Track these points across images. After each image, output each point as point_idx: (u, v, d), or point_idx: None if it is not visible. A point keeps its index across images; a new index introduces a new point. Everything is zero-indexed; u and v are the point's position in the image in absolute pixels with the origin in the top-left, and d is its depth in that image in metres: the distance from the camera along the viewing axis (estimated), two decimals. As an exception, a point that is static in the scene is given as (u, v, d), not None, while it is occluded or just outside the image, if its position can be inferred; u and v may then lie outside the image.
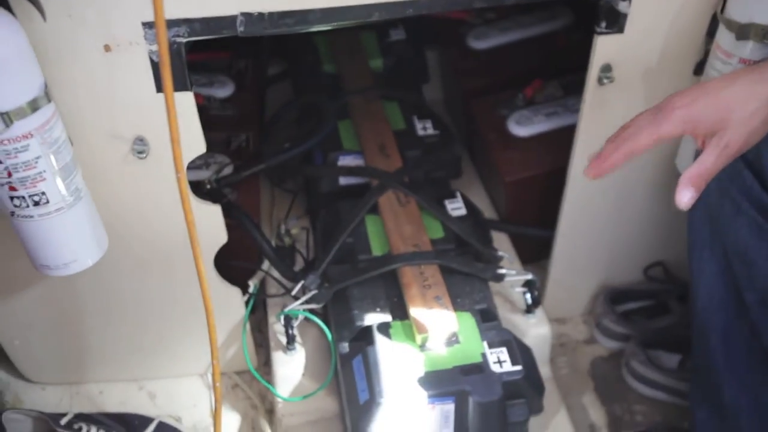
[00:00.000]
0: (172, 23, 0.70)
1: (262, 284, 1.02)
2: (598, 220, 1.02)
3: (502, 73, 1.18)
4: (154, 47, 0.70)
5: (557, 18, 1.20)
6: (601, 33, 0.80)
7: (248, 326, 0.98)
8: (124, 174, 0.79)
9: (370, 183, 1.00)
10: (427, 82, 1.25)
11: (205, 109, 1.07)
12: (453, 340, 0.83)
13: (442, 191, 1.00)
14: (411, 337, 0.84)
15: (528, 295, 0.96)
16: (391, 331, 0.84)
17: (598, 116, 0.88)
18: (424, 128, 1.08)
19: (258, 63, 1.19)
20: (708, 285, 0.82)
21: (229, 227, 0.88)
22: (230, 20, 0.71)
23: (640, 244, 1.08)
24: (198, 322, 0.92)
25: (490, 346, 0.83)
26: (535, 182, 1.05)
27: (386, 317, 0.87)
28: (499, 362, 0.81)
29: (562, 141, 0.93)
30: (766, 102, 0.65)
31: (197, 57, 1.11)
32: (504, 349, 0.82)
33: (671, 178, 0.90)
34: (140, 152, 0.77)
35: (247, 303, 0.97)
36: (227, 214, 0.89)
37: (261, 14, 0.71)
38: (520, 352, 0.83)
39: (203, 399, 1.01)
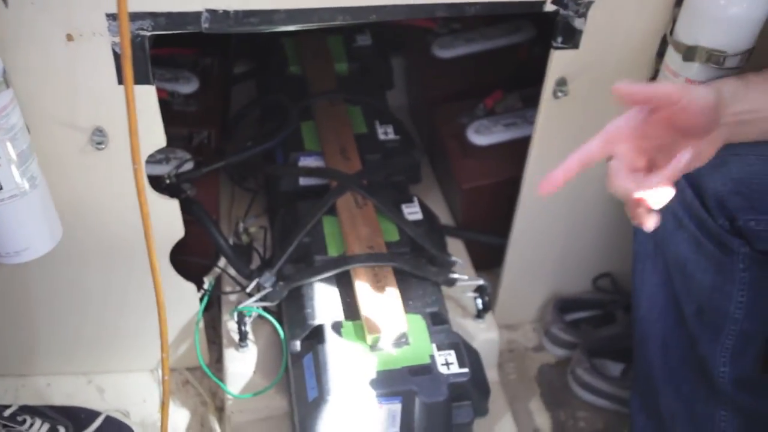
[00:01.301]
0: (135, 16, 0.70)
1: (218, 281, 1.02)
2: (549, 230, 1.04)
3: (465, 82, 1.20)
4: (117, 39, 0.71)
5: (520, 31, 1.23)
6: (558, 48, 0.83)
7: (201, 323, 0.98)
8: (82, 164, 0.79)
9: (329, 184, 1.01)
10: (392, 88, 1.27)
11: (167, 104, 1.08)
12: (402, 341, 0.85)
13: (400, 196, 1.02)
14: (362, 337, 0.85)
15: (479, 301, 0.99)
16: (343, 330, 0.86)
17: (552, 128, 0.91)
18: (386, 133, 1.09)
19: (224, 61, 1.19)
20: (649, 295, 0.85)
21: (187, 223, 0.88)
22: (195, 16, 0.72)
23: (589, 255, 1.11)
24: (150, 316, 0.92)
25: (439, 348, 0.85)
26: (491, 190, 1.08)
27: (338, 317, 0.88)
28: (447, 364, 0.83)
29: (519, 151, 0.96)
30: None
31: (163, 52, 1.11)
32: (452, 352, 0.84)
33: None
34: (99, 143, 0.78)
35: (201, 299, 0.97)
36: (185, 209, 0.90)
37: (226, 12, 0.72)
38: (467, 355, 0.85)
39: (152, 394, 1.01)
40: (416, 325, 0.87)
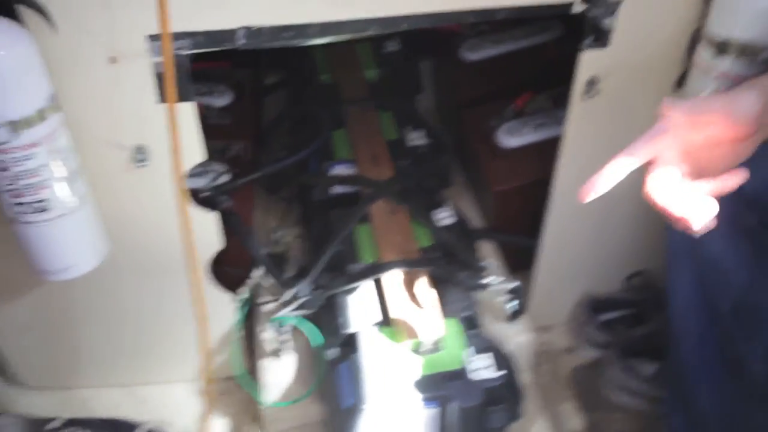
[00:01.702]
0: (176, 36, 0.73)
1: (254, 292, 1.04)
2: (581, 229, 1.04)
3: (494, 84, 1.21)
4: (159, 59, 0.73)
5: (548, 30, 1.23)
6: (587, 47, 0.83)
7: (239, 332, 1.00)
8: (125, 182, 0.82)
9: (362, 192, 1.03)
10: (421, 92, 1.28)
11: (203, 118, 1.08)
12: (438, 346, 0.86)
13: (432, 200, 1.03)
14: (397, 344, 0.86)
15: (512, 303, 0.99)
16: (378, 337, 0.87)
17: (583, 128, 0.91)
18: (416, 138, 1.11)
19: (256, 73, 1.22)
20: (684, 293, 0.85)
21: (224, 234, 0.91)
22: (232, 34, 0.74)
23: (621, 254, 1.11)
24: (188, 327, 0.96)
25: (474, 352, 0.86)
26: (522, 192, 1.08)
27: (373, 324, 0.89)
28: (482, 368, 0.84)
29: (550, 152, 0.96)
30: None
31: (197, 66, 1.13)
32: (486, 356, 0.85)
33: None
34: (140, 161, 0.80)
35: (239, 309, 0.99)
36: (223, 221, 0.92)
37: (261, 28, 0.75)
38: (501, 359, 0.86)
39: (192, 405, 1.03)
40: (452, 330, 0.88)
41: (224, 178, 1.02)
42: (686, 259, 0.83)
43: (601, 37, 0.83)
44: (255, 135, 1.13)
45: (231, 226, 0.95)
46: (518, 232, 1.12)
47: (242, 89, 1.17)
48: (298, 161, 1.05)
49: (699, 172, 0.66)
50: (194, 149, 0.81)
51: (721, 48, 0.76)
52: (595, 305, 1.13)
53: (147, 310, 0.96)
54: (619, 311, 1.15)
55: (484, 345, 0.86)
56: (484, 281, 0.95)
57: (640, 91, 0.89)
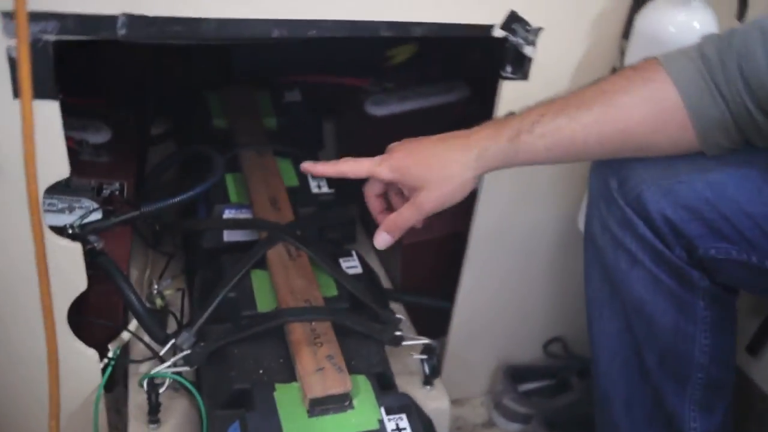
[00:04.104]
0: (38, 16, 0.61)
1: (124, 351, 0.88)
2: (497, 291, 0.98)
3: (399, 139, 1.14)
4: (13, 42, 0.61)
5: (455, 90, 1.19)
6: (506, 78, 0.79)
7: (102, 401, 0.83)
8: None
9: (258, 240, 0.91)
10: (323, 148, 1.20)
11: (75, 153, 0.96)
12: (346, 404, 0.73)
13: (337, 250, 0.93)
14: (298, 401, 0.73)
15: (427, 364, 0.88)
16: (276, 394, 0.73)
17: (501, 173, 0.85)
18: (319, 186, 1.01)
19: (140, 114, 1.10)
20: (609, 346, 0.78)
21: (91, 280, 0.76)
22: (110, 21, 0.64)
23: (539, 318, 1.05)
24: (40, 386, 0.77)
25: (388, 412, 0.73)
26: (432, 246, 1.00)
27: (270, 379, 0.75)
28: (398, 429, 0.71)
29: (463, 204, 0.89)
30: (462, 169, 0.70)
31: (70, 101, 1.01)
32: (403, 416, 0.73)
33: (575, 239, 0.87)
34: (-14, 169, 0.66)
35: (104, 370, 0.83)
36: (90, 262, 0.77)
37: (147, 17, 0.64)
38: (418, 422, 0.73)
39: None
40: (361, 387, 0.75)
41: (95, 216, 0.87)
42: (609, 308, 0.77)
43: (521, 67, 0.79)
44: (134, 177, 0.99)
45: (100, 268, 0.80)
46: (428, 293, 1.02)
47: (122, 129, 1.04)
48: (185, 201, 0.92)
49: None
50: (56, 160, 0.68)
51: None
52: (513, 374, 1.04)
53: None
54: (538, 381, 1.06)
55: (401, 404, 0.74)
56: (398, 335, 0.84)
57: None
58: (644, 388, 0.76)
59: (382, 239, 0.74)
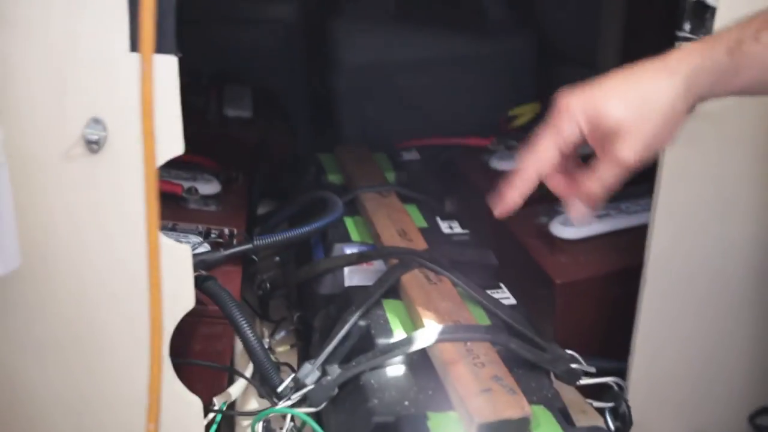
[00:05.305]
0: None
1: (230, 406, 0.72)
2: (686, 336, 0.79)
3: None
4: (135, -16, 0.54)
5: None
6: (683, 40, 0.67)
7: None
8: (65, 174, 0.57)
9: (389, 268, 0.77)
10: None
11: (182, 201, 0.88)
12: (527, 434, 0.54)
13: (482, 281, 0.77)
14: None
15: (611, 413, 0.68)
16: (430, 424, 0.56)
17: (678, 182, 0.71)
18: (450, 227, 0.88)
19: (251, 179, 1.03)
20: None
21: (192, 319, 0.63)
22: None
23: (743, 379, 0.83)
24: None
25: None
26: (589, 286, 0.84)
27: (420, 409, 0.58)
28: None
29: (616, 243, 0.82)
30: (669, 99, 0.54)
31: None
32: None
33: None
34: (93, 142, 0.56)
35: (208, 427, 0.67)
36: (200, 289, 0.66)
37: None
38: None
39: None
40: (541, 419, 0.57)
41: (201, 249, 0.76)
42: None
43: (702, 24, 0.66)
44: (244, 227, 0.89)
45: (208, 293, 0.68)
46: (585, 346, 0.83)
47: (231, 185, 0.96)
48: (299, 239, 0.80)
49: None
50: (171, 132, 0.58)
51: None
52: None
53: (65, 384, 0.63)
54: (743, 464, 0.82)
55: (597, 438, 0.55)
56: (574, 368, 0.66)
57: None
58: None
59: (578, 210, 0.60)
